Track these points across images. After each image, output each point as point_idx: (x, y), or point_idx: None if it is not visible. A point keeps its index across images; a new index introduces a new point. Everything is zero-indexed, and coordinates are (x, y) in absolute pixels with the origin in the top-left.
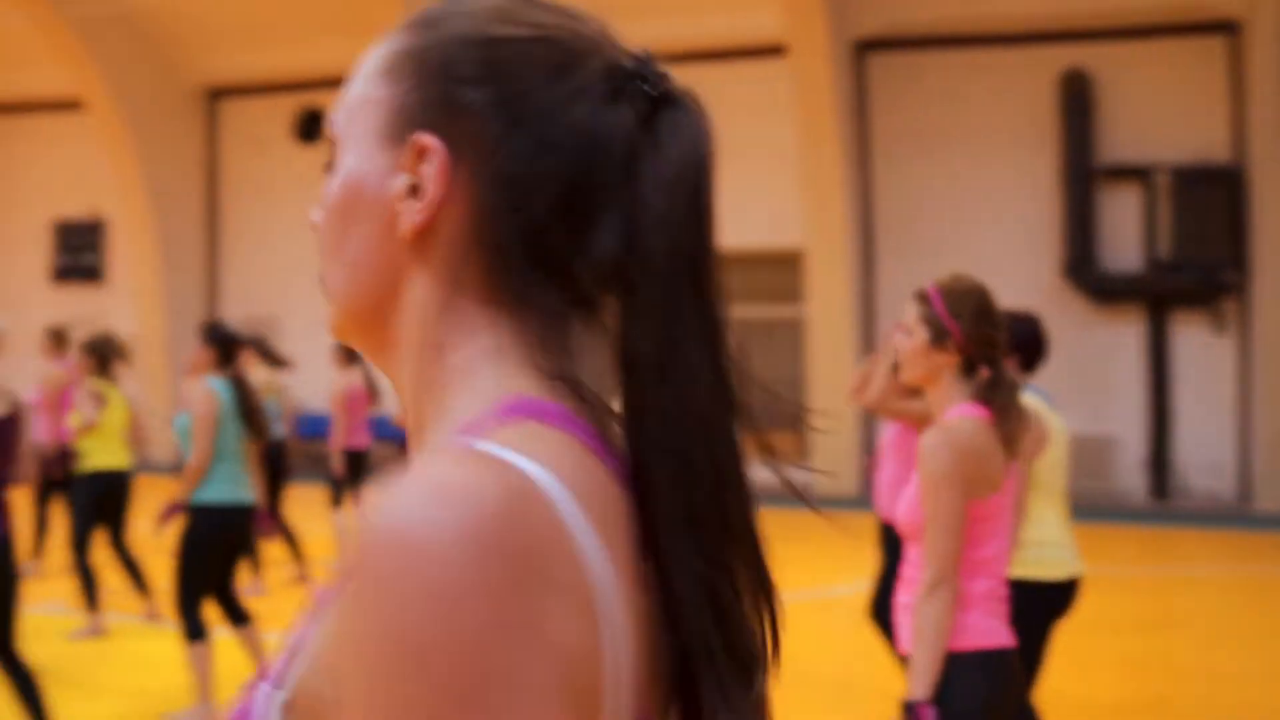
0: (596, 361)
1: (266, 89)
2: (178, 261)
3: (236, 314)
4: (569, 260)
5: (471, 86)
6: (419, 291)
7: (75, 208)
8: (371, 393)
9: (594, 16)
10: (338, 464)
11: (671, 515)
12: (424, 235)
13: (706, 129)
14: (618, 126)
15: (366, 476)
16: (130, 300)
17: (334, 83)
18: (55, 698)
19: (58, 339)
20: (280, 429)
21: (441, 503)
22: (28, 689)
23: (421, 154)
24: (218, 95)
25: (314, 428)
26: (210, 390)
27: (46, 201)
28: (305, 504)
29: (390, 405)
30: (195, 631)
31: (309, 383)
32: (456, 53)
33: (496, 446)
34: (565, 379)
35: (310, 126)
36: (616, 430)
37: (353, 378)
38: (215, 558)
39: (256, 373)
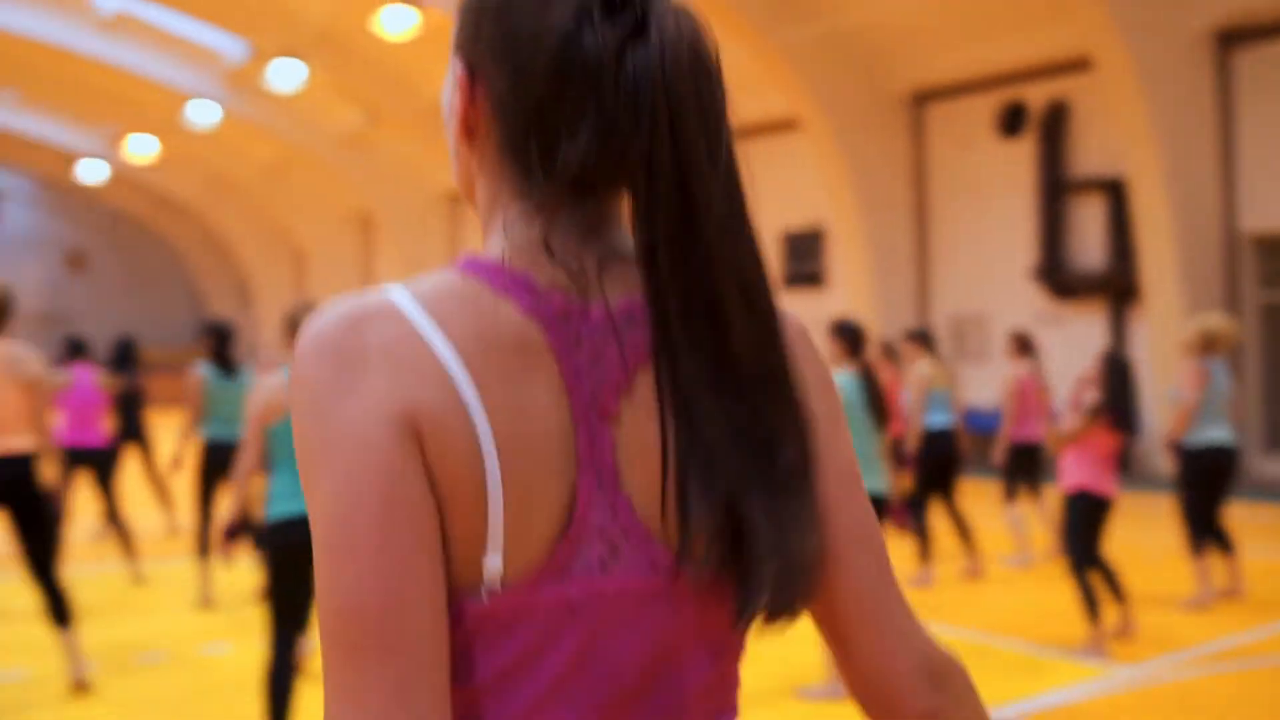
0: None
1: (969, 87)
2: (889, 264)
3: (944, 313)
4: (552, 160)
5: (489, 21)
6: (480, 180)
7: (798, 219)
8: (1044, 385)
9: None
10: (999, 455)
11: (674, 343)
12: (470, 136)
13: (691, 49)
14: (589, 49)
15: (1037, 470)
16: (847, 302)
17: (1035, 74)
18: None
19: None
20: (948, 419)
21: (315, 320)
22: None
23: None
24: (923, 99)
25: (987, 422)
26: (840, 382)
27: (775, 215)
28: (979, 498)
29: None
30: None
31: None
32: None
33: (396, 285)
34: (532, 245)
35: (1013, 121)
36: (574, 283)
37: (1024, 369)
38: None
39: (925, 365)
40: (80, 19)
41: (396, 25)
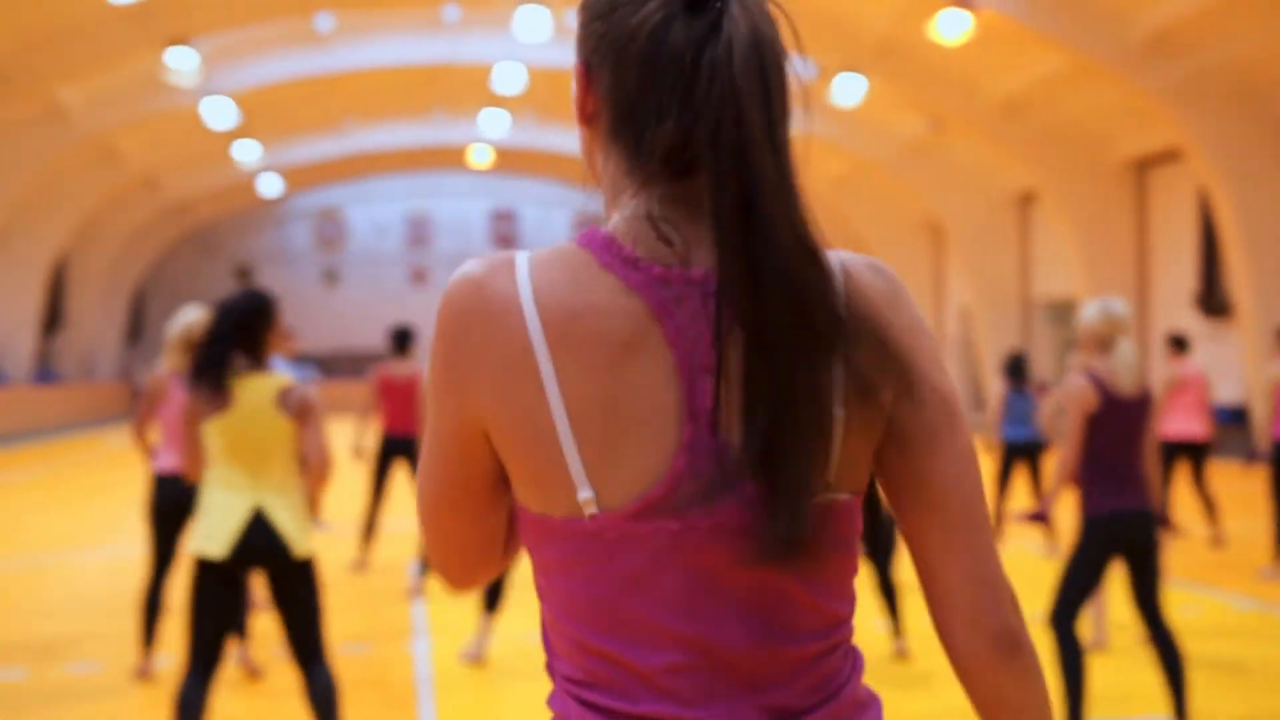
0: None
1: None
2: None
3: None
4: (645, 142)
5: (598, 21)
6: (599, 160)
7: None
8: None
9: None
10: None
11: (743, 316)
12: (588, 121)
13: (761, 36)
14: (674, 44)
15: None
16: None
17: None
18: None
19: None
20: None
21: (456, 274)
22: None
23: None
24: None
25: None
26: None
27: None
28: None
29: None
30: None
31: None
32: (590, 2)
33: (524, 251)
34: (638, 218)
35: None
36: (674, 252)
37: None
38: None
39: None
40: None
41: (952, 30)
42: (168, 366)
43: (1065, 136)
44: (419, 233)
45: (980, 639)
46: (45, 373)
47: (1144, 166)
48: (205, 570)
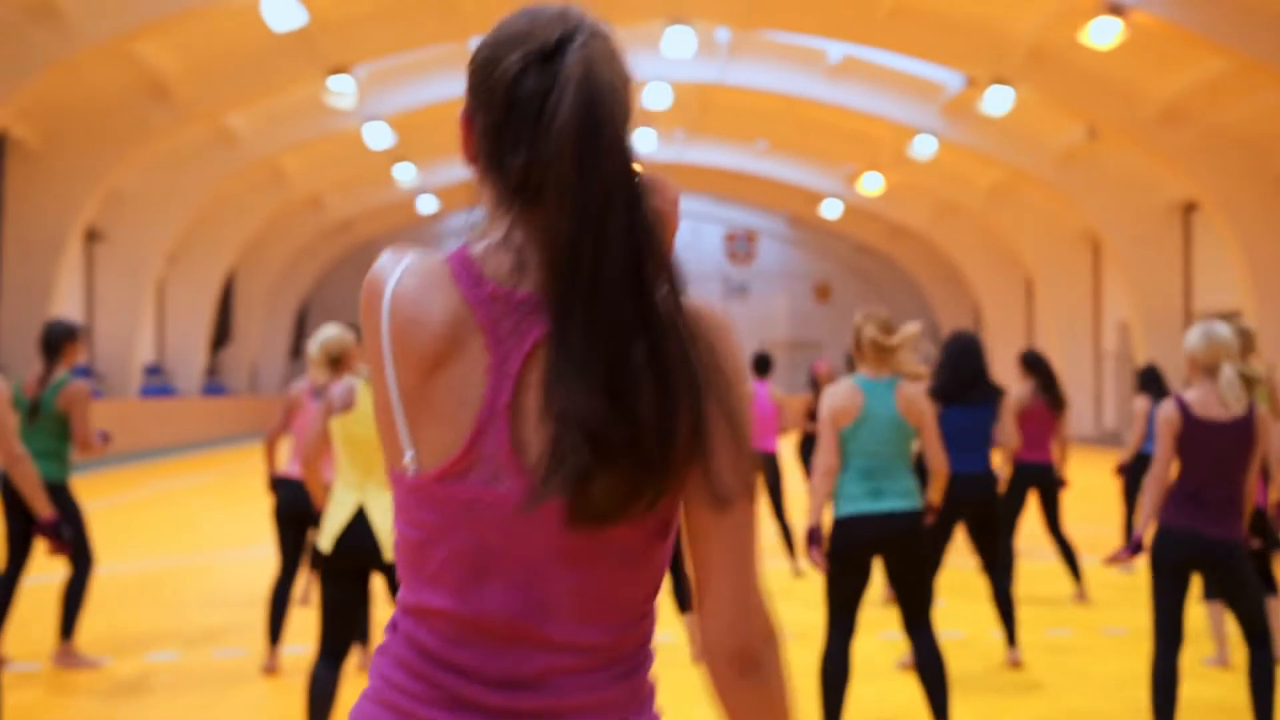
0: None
1: None
2: None
3: None
4: (499, 170)
5: (475, 75)
6: (481, 190)
7: None
8: None
9: (575, 9)
10: None
11: (559, 320)
12: (474, 160)
13: (588, 72)
14: (526, 90)
15: None
16: None
17: None
18: None
19: None
20: None
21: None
22: None
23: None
24: None
25: None
26: None
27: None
28: None
29: None
30: None
31: None
32: (475, 56)
33: (410, 255)
34: (495, 242)
35: None
36: (511, 274)
37: None
38: None
39: None
40: (812, 68)
41: (1104, 36)
42: (310, 380)
43: (1228, 142)
44: None
45: (733, 653)
46: (214, 386)
47: None
48: (323, 563)
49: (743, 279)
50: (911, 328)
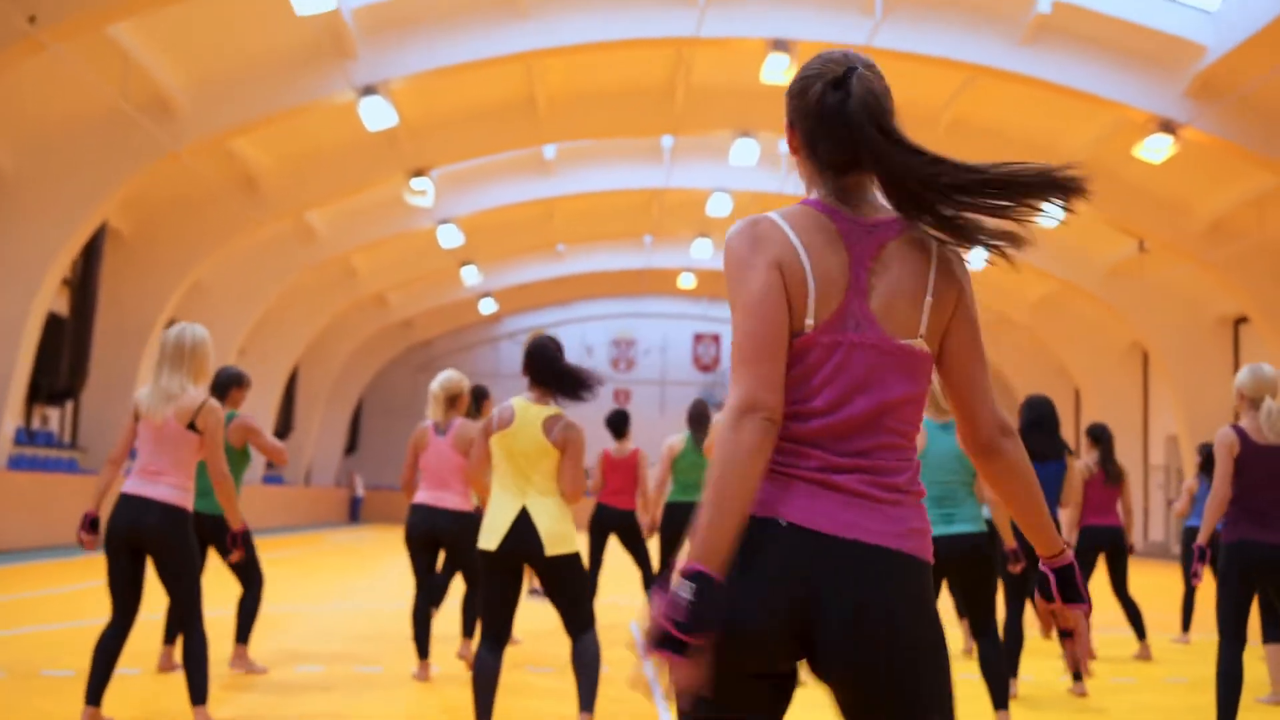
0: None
1: None
2: None
3: None
4: (814, 155)
5: (793, 99)
6: (801, 170)
7: None
8: None
9: (852, 54)
10: None
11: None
12: (796, 152)
13: (871, 93)
14: (826, 107)
15: None
16: None
17: None
18: None
19: None
20: None
21: (737, 226)
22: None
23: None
24: None
25: None
26: None
27: None
28: None
29: None
30: None
31: None
32: (790, 88)
33: (775, 212)
34: (827, 195)
35: None
36: (848, 211)
37: None
38: None
39: None
40: None
41: (1156, 152)
42: (431, 418)
43: (1276, 256)
44: (623, 353)
45: (996, 426)
46: (272, 476)
47: None
48: (486, 560)
49: None
50: None
